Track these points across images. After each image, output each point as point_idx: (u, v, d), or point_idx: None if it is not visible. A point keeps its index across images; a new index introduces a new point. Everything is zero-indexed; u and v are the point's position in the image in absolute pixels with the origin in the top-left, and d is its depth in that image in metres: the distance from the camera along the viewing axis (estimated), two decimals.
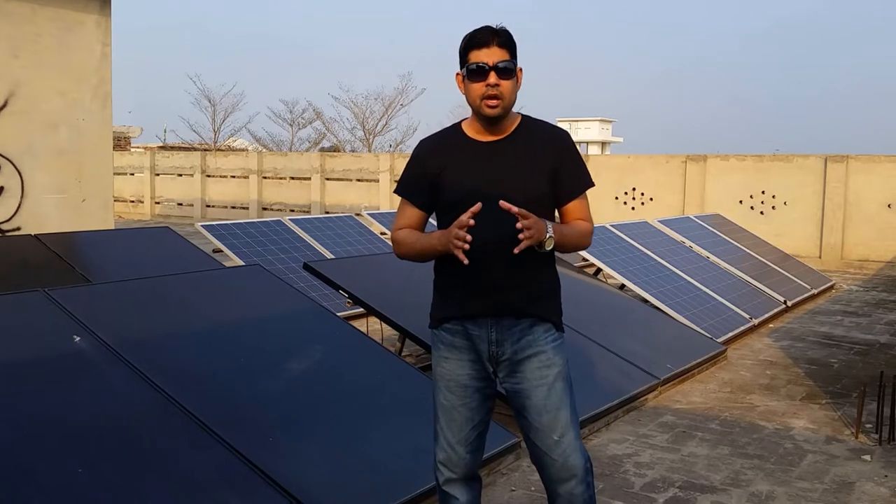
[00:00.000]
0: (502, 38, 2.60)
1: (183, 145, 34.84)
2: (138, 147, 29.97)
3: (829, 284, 10.88)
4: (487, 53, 2.58)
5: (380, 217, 10.79)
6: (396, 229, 2.78)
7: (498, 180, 2.61)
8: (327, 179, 20.98)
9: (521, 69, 2.68)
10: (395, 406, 4.12)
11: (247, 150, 32.92)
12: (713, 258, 9.45)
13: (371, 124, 38.51)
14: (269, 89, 71.76)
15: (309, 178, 21.19)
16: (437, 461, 2.78)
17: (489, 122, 2.66)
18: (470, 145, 2.70)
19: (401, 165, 19.92)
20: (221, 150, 30.43)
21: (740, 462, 4.35)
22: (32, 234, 7.17)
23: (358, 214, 11.25)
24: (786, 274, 10.18)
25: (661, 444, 4.59)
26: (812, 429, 4.94)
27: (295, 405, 3.81)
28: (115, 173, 14.54)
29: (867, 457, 4.46)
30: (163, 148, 30.74)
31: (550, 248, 2.56)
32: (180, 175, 23.35)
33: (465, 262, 2.49)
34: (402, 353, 5.57)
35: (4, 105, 8.43)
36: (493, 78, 2.58)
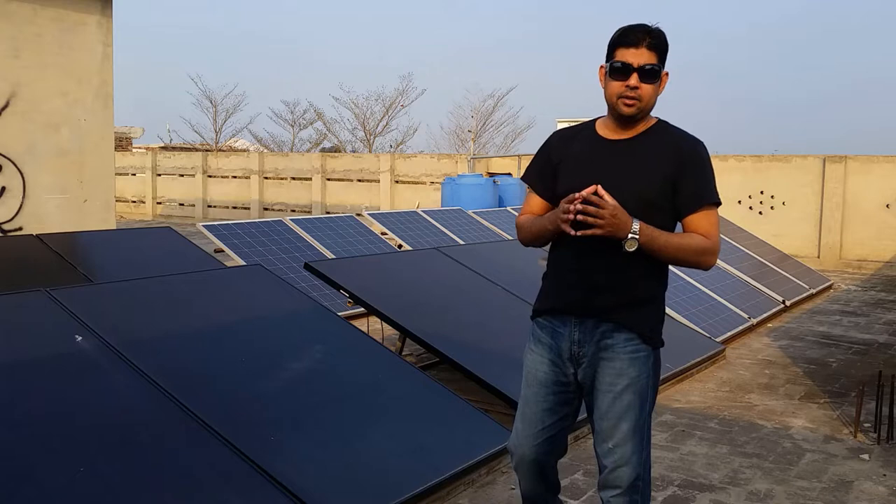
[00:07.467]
0: (653, 40, 2.50)
1: (185, 146, 34.85)
2: (140, 147, 29.98)
3: (827, 284, 10.90)
4: (635, 54, 2.48)
5: (380, 217, 10.80)
6: (520, 216, 2.76)
7: (610, 179, 2.49)
8: (328, 180, 21.00)
9: (666, 73, 2.57)
10: (395, 405, 4.14)
11: (248, 150, 32.93)
12: None
13: (372, 125, 38.54)
14: (270, 90, 71.62)
15: (310, 179, 21.21)
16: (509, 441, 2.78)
17: (622, 121, 2.58)
18: (595, 140, 2.63)
19: (401, 166, 19.94)
20: (223, 151, 30.44)
21: (739, 461, 4.37)
22: (34, 234, 7.20)
23: (359, 214, 11.27)
24: (784, 274, 10.20)
25: (660, 443, 4.61)
26: (811, 428, 4.96)
27: (296, 404, 3.83)
28: (116, 173, 14.57)
29: (865, 456, 4.48)
30: (164, 148, 30.74)
31: (633, 249, 2.43)
32: (182, 175, 23.37)
33: (573, 233, 2.43)
34: (403, 353, 5.59)
35: (6, 105, 8.46)
36: (634, 80, 2.49)
